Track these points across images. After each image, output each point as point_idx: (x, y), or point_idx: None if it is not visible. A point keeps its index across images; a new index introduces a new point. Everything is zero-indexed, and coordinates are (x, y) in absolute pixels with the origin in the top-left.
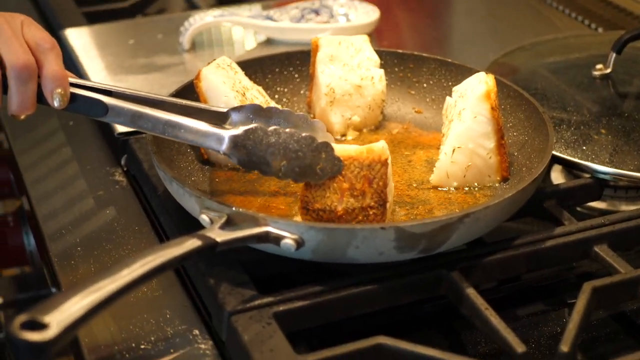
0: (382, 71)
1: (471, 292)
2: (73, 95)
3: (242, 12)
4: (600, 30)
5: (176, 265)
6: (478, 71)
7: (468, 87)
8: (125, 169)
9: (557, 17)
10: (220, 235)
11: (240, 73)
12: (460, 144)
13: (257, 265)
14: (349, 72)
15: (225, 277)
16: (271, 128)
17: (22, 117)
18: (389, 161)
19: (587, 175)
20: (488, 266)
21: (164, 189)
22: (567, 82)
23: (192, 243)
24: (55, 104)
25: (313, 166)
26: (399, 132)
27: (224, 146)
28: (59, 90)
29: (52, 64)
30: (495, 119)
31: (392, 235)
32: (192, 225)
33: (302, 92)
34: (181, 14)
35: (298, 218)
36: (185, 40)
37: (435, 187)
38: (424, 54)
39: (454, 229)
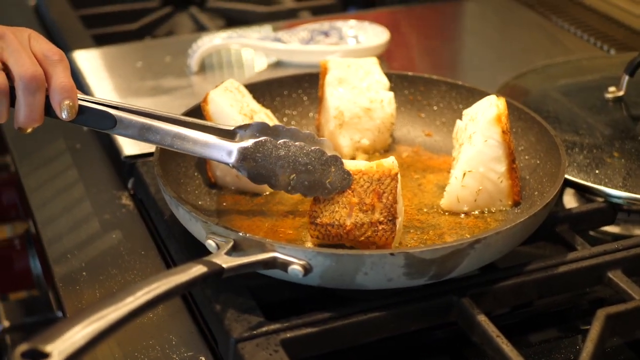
0: (391, 94)
1: (482, 319)
2: (81, 107)
3: (251, 34)
4: (612, 52)
5: (181, 292)
6: (489, 94)
7: (479, 111)
8: (131, 192)
9: (568, 39)
10: (226, 261)
11: (248, 96)
12: (471, 168)
13: (265, 291)
14: (358, 94)
15: (232, 303)
16: (280, 141)
17: (29, 130)
18: (399, 176)
19: (600, 199)
20: (499, 292)
21: (171, 213)
22: (580, 104)
23: (197, 269)
24: (64, 115)
25: (322, 180)
26: (409, 155)
27: (233, 158)
28: (67, 101)
29: (60, 76)
30: (507, 143)
31: (401, 262)
32: (198, 250)
33: (310, 114)
34: (189, 36)
35: (309, 243)
36: (194, 62)
37: (445, 212)
38: (434, 77)
39: (464, 255)
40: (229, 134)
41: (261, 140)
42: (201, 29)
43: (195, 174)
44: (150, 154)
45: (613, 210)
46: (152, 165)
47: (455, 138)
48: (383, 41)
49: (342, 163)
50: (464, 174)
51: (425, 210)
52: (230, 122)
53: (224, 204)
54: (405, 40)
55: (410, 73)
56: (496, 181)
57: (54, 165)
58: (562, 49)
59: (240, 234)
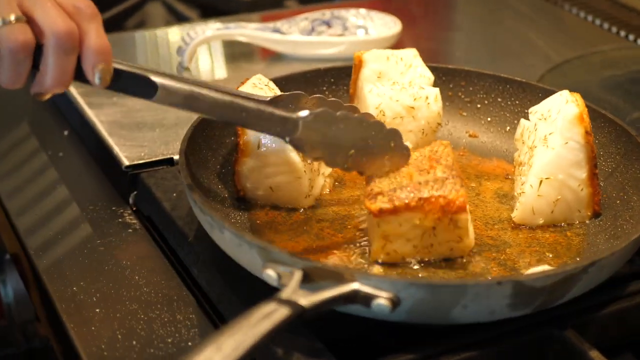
0: (437, 90)
1: (596, 355)
2: (117, 71)
3: (248, 25)
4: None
5: (263, 347)
6: (545, 88)
7: (552, 108)
8: (134, 208)
9: (587, 29)
10: (305, 298)
11: (278, 93)
12: (549, 175)
13: (326, 326)
14: (400, 91)
15: (294, 345)
16: (339, 113)
17: (48, 96)
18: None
19: None
20: (605, 320)
21: (197, 234)
22: (636, 97)
23: (277, 313)
24: (97, 80)
25: (382, 155)
26: (457, 160)
27: (291, 131)
28: (102, 65)
29: (95, 34)
30: (590, 145)
31: (508, 291)
32: (240, 281)
33: None
34: (166, 29)
35: (374, 268)
36: (186, 56)
37: (518, 226)
38: (478, 70)
39: (577, 280)
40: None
41: (321, 112)
42: (179, 19)
43: (220, 185)
44: (155, 163)
45: None
46: (160, 177)
47: (519, 139)
48: (395, 32)
49: (401, 137)
50: (541, 182)
51: (493, 224)
52: None
53: (258, 221)
54: (417, 31)
55: (450, 66)
56: (576, 189)
57: (38, 182)
58: (585, 40)
59: (312, 262)
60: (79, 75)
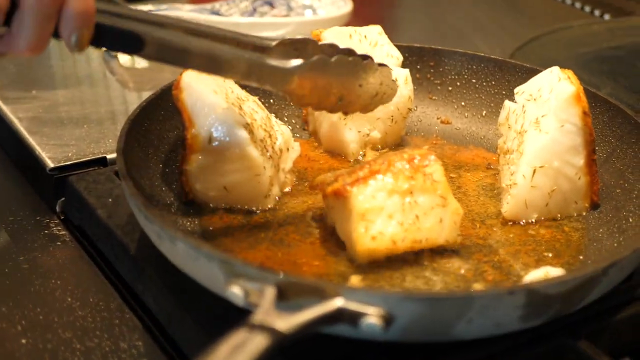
0: (407, 71)
1: None
2: (99, 29)
3: (182, 7)
4: (607, 17)
5: None
6: (525, 66)
7: (543, 87)
8: (61, 217)
9: (546, 6)
10: (283, 321)
11: (230, 80)
12: (544, 163)
13: (302, 351)
14: None
15: None
16: (334, 59)
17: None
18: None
19: None
20: (620, 326)
21: (140, 245)
22: (617, 74)
23: (252, 343)
24: (73, 45)
25: (371, 95)
26: (430, 149)
27: (292, 83)
28: (83, 30)
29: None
30: (588, 127)
31: (520, 301)
32: (200, 301)
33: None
34: None
35: (354, 278)
36: None
37: (507, 222)
38: (448, 48)
39: (596, 283)
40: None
41: (315, 60)
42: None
43: (164, 187)
44: (85, 164)
45: None
46: (92, 180)
47: (505, 124)
48: (346, 11)
49: (390, 74)
50: (534, 171)
51: (480, 221)
52: (215, 113)
53: (211, 228)
54: (369, 10)
55: (416, 44)
56: (573, 177)
57: None
58: (546, 17)
59: (287, 276)
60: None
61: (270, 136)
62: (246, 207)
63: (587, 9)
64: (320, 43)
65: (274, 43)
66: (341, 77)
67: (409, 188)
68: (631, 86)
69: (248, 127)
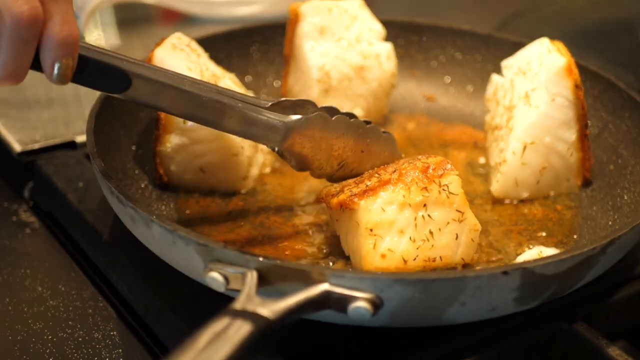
0: (389, 45)
1: (616, 352)
2: (82, 62)
3: None
4: None
5: None
6: (511, 40)
7: (532, 60)
8: (30, 204)
9: None
10: (266, 308)
11: (204, 56)
12: (534, 139)
13: (287, 337)
14: (347, 48)
15: None
16: (335, 117)
17: None
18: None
19: None
20: (617, 307)
21: (113, 231)
22: (604, 49)
23: (236, 330)
24: (55, 77)
25: (372, 164)
26: (415, 127)
27: (288, 139)
28: (64, 60)
29: (61, 18)
30: (580, 101)
31: (516, 282)
32: (178, 289)
33: (269, 80)
34: None
35: (339, 264)
36: (82, 22)
37: (497, 201)
38: (432, 22)
39: (594, 262)
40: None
41: (314, 116)
42: None
43: (136, 171)
44: (54, 147)
45: None
46: (61, 164)
47: (492, 99)
48: None
49: (395, 143)
50: (525, 148)
51: (470, 200)
52: None
53: (187, 211)
54: None
55: (399, 18)
56: (565, 154)
57: None
58: None
59: (270, 260)
60: (34, 64)
61: None
62: (224, 189)
63: None
64: (320, 106)
65: (269, 103)
66: (343, 139)
67: (422, 201)
68: (617, 60)
69: None
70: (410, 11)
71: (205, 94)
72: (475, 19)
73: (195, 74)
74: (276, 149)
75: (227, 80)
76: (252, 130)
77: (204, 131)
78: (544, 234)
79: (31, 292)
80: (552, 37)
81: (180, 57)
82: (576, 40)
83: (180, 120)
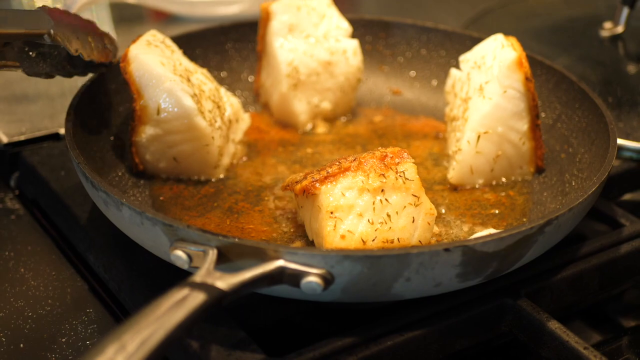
0: (356, 42)
1: (556, 326)
2: None
3: None
4: None
5: (176, 341)
6: (473, 36)
7: (487, 54)
8: (16, 192)
9: None
10: (222, 281)
11: (178, 52)
12: (487, 128)
13: (246, 311)
14: (315, 45)
15: (212, 337)
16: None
17: None
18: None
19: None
20: (560, 285)
21: (91, 216)
22: (571, 45)
23: (191, 299)
24: None
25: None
26: (382, 120)
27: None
28: None
29: None
30: (531, 93)
31: (457, 259)
32: (148, 268)
33: (243, 75)
34: None
35: (298, 242)
36: None
37: (454, 187)
38: (399, 20)
39: (532, 241)
40: None
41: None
42: None
43: (115, 159)
44: (39, 139)
45: None
46: (46, 154)
47: (451, 92)
48: None
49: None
50: (479, 137)
51: (428, 187)
52: (164, 85)
53: (161, 197)
54: None
55: (367, 16)
56: (517, 143)
57: None
58: None
59: (228, 238)
60: None
61: (219, 107)
62: (196, 177)
63: None
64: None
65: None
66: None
67: (380, 186)
68: (586, 56)
69: (195, 98)
70: (390, 8)
71: None
72: (453, 12)
73: (168, 68)
74: (52, 32)
75: (200, 75)
76: (26, 23)
77: (177, 122)
78: (495, 218)
79: (14, 273)
80: (523, 32)
81: (154, 52)
82: (545, 36)
83: (154, 112)
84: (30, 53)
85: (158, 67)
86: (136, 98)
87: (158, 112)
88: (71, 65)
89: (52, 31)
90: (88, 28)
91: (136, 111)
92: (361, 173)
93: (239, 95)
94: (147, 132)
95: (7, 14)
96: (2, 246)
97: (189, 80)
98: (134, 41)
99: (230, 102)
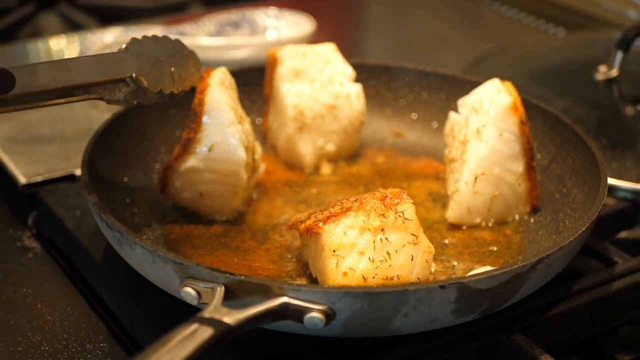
0: (359, 86)
1: None
2: None
3: (150, 29)
4: (560, 30)
5: None
6: (471, 81)
7: (484, 99)
8: (34, 231)
9: (501, 22)
10: (230, 316)
11: (236, 95)
12: (484, 170)
13: (252, 346)
14: (320, 89)
15: None
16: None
17: None
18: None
19: (621, 197)
20: (553, 321)
21: (105, 254)
22: (567, 88)
23: (199, 334)
24: None
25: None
26: (384, 161)
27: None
28: None
29: None
30: (526, 136)
31: (452, 296)
32: (160, 305)
33: (250, 117)
34: (62, 38)
35: (302, 281)
36: None
37: (453, 226)
38: (401, 65)
39: (525, 279)
40: None
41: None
42: (75, 28)
43: (128, 200)
44: (55, 180)
45: (637, 210)
46: (62, 194)
47: (450, 135)
48: (307, 31)
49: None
50: (476, 178)
51: (427, 226)
52: (227, 129)
53: (172, 236)
54: (331, 30)
55: (371, 61)
56: (513, 184)
57: None
58: (500, 34)
59: (235, 276)
60: None
61: (254, 160)
62: (209, 215)
63: (542, 24)
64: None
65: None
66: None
67: (380, 225)
68: (582, 98)
69: (247, 150)
70: (398, 51)
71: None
72: (458, 56)
73: (235, 113)
74: (134, 75)
75: (247, 125)
76: (109, 70)
77: (222, 165)
78: (492, 256)
79: (31, 308)
80: (521, 75)
81: (225, 92)
82: (544, 79)
83: (207, 148)
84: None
85: (227, 110)
86: (195, 129)
87: (210, 150)
88: (152, 93)
89: (134, 75)
90: (175, 51)
91: (190, 140)
92: (362, 213)
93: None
94: (189, 163)
95: (88, 63)
96: (20, 283)
97: (241, 123)
98: (207, 74)
99: (257, 150)
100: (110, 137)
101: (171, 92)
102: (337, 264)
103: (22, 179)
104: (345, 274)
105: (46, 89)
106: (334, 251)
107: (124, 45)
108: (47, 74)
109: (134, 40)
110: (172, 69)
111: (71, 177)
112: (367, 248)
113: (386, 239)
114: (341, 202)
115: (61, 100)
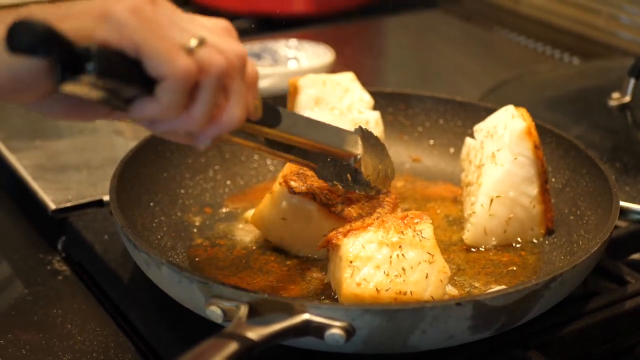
0: (377, 114)
1: None
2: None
3: None
4: (575, 59)
5: None
6: (487, 107)
7: (498, 124)
8: (63, 255)
9: (517, 51)
10: (253, 332)
11: None
12: (500, 193)
13: None
14: (339, 116)
15: None
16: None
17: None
18: None
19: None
20: (567, 339)
21: (132, 276)
22: (581, 114)
23: (224, 349)
24: (202, 146)
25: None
26: (402, 185)
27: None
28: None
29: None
30: (539, 160)
31: (468, 312)
32: (185, 324)
33: None
34: None
35: (325, 299)
36: None
37: (469, 248)
38: (418, 92)
39: (538, 297)
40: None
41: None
42: None
43: (154, 224)
44: (84, 206)
45: None
46: (90, 219)
47: (466, 159)
48: (327, 61)
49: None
50: (491, 201)
51: (445, 248)
52: None
53: (197, 259)
54: (350, 60)
55: (389, 89)
56: (528, 206)
57: None
58: (516, 62)
59: (258, 294)
60: None
61: None
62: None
63: (557, 53)
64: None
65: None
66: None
67: (398, 242)
68: (596, 125)
69: None
70: (416, 80)
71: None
72: (462, 88)
73: None
74: (358, 157)
75: None
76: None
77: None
78: (508, 276)
79: (61, 329)
80: (537, 102)
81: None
82: (559, 106)
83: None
84: (328, 159)
85: None
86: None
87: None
88: (353, 180)
89: (359, 157)
90: (384, 153)
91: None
92: (382, 229)
93: (270, 165)
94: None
95: (327, 130)
96: (51, 305)
97: None
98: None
99: None
100: (137, 164)
101: (375, 186)
102: (352, 273)
103: (52, 205)
104: (359, 284)
105: (298, 140)
106: (351, 262)
107: (357, 126)
108: (304, 126)
109: (360, 128)
110: (380, 166)
111: (99, 203)
112: (383, 262)
113: (403, 255)
114: (363, 219)
115: (289, 156)
